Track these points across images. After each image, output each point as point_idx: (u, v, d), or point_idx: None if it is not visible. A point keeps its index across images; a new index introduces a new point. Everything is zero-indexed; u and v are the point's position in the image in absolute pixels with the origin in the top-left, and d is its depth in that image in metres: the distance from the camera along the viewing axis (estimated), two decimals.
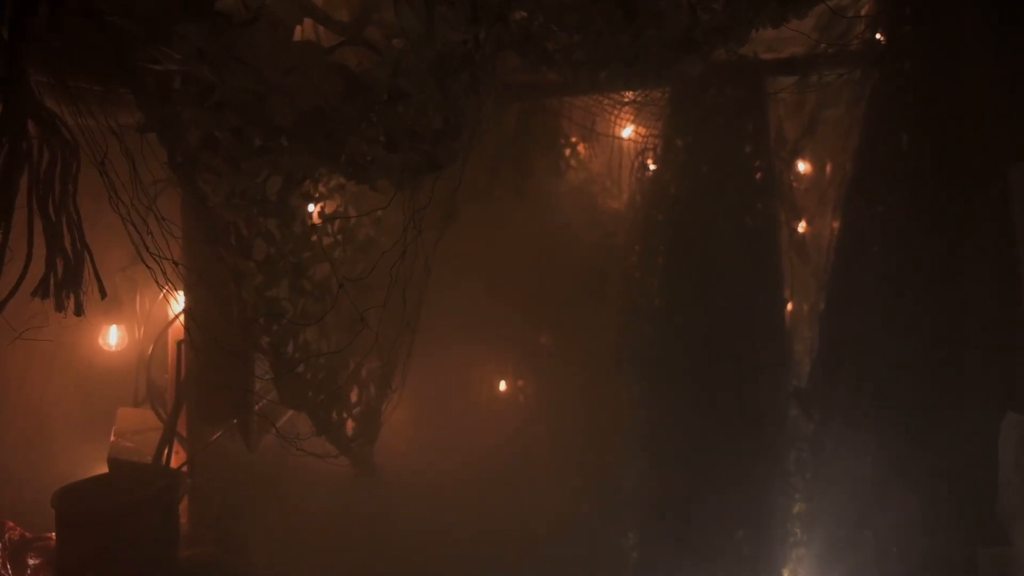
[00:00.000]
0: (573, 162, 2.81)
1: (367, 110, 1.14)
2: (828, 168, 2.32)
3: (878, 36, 2.07)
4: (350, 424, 1.90)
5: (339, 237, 1.71)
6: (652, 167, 2.60)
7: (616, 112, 2.61)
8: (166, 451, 1.56)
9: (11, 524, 1.88)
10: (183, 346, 1.39)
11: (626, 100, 2.54)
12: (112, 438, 1.87)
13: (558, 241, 2.85)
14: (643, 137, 2.58)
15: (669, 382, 2.24)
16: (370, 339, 2.05)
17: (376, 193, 2.06)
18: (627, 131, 2.68)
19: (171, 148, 1.12)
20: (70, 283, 1.05)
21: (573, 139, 2.73)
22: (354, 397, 1.95)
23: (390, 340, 2.21)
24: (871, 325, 2.03)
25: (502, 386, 2.76)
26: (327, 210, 1.91)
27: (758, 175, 2.26)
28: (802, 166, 2.36)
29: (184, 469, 1.60)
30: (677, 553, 2.27)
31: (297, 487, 1.74)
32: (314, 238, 1.58)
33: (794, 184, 2.31)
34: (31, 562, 1.77)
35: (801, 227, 2.28)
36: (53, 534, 1.64)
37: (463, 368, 2.49)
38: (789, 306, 2.26)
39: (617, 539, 2.44)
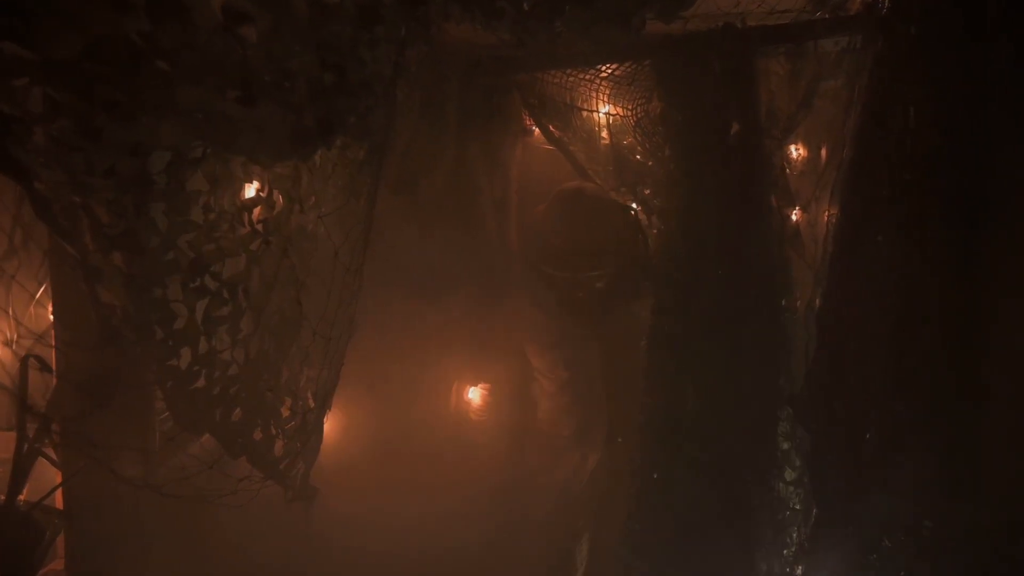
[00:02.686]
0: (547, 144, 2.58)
1: (189, 42, 0.89)
2: (825, 148, 2.08)
3: None
4: (280, 443, 1.66)
5: (259, 227, 1.47)
6: (638, 146, 2.37)
7: (594, 89, 2.37)
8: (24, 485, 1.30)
9: None
10: (27, 363, 1.15)
11: (603, 75, 2.30)
12: None
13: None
14: (621, 117, 2.35)
15: (646, 388, 2.01)
16: (307, 343, 1.83)
17: (312, 175, 1.82)
18: (604, 109, 2.44)
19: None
20: None
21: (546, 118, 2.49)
22: (287, 410, 1.71)
23: (337, 342, 1.98)
24: (875, 324, 1.80)
25: (471, 393, 2.54)
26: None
27: (747, 156, 2.02)
28: (796, 146, 2.11)
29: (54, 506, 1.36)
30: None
31: (215, 521, 1.49)
32: (224, 228, 1.33)
33: (787, 166, 2.07)
34: None
35: (795, 214, 2.04)
36: None
37: (414, 371, 2.25)
38: (782, 302, 2.02)
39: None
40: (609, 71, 2.27)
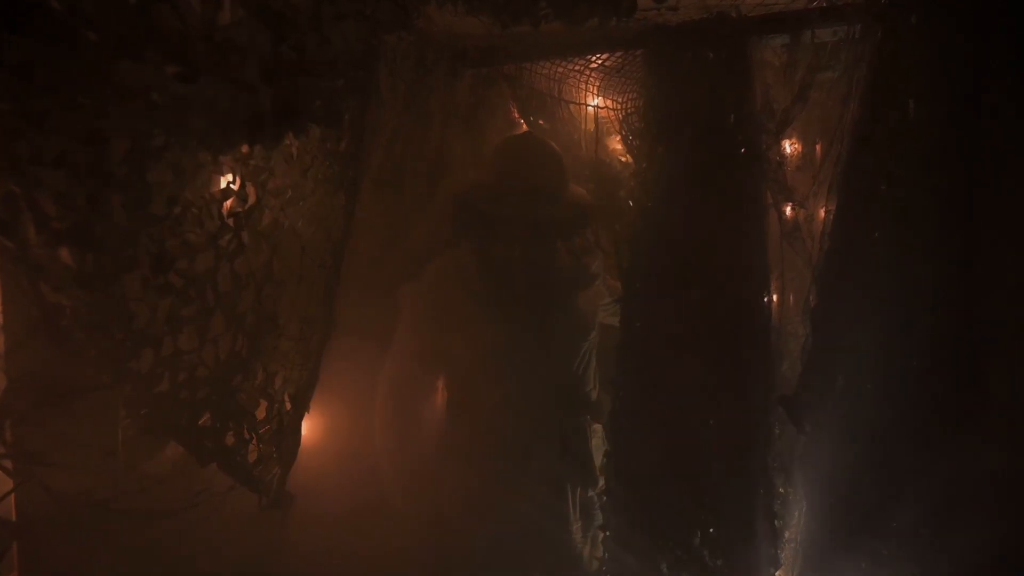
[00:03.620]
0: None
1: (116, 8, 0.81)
2: (822, 142, 2.02)
3: None
4: (254, 448, 1.58)
5: (230, 221, 1.39)
6: (620, 143, 2.30)
7: (584, 79, 2.30)
8: None
9: None
10: None
11: (593, 66, 2.23)
12: None
13: None
14: (611, 109, 2.28)
15: (636, 388, 1.94)
16: (284, 342, 1.76)
17: (289, 166, 1.75)
18: (594, 102, 2.37)
19: None
20: None
21: (533, 111, 2.41)
22: (262, 413, 1.63)
23: (315, 341, 1.91)
24: (871, 323, 1.74)
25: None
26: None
27: (742, 150, 1.95)
28: (792, 140, 2.05)
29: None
30: None
31: (185, 529, 1.41)
32: (190, 222, 1.26)
33: (783, 160, 2.00)
34: None
35: (791, 210, 1.97)
36: None
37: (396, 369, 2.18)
38: (776, 300, 1.96)
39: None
40: (599, 62, 2.20)
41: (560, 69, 2.29)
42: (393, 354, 2.21)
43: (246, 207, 1.50)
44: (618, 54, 2.16)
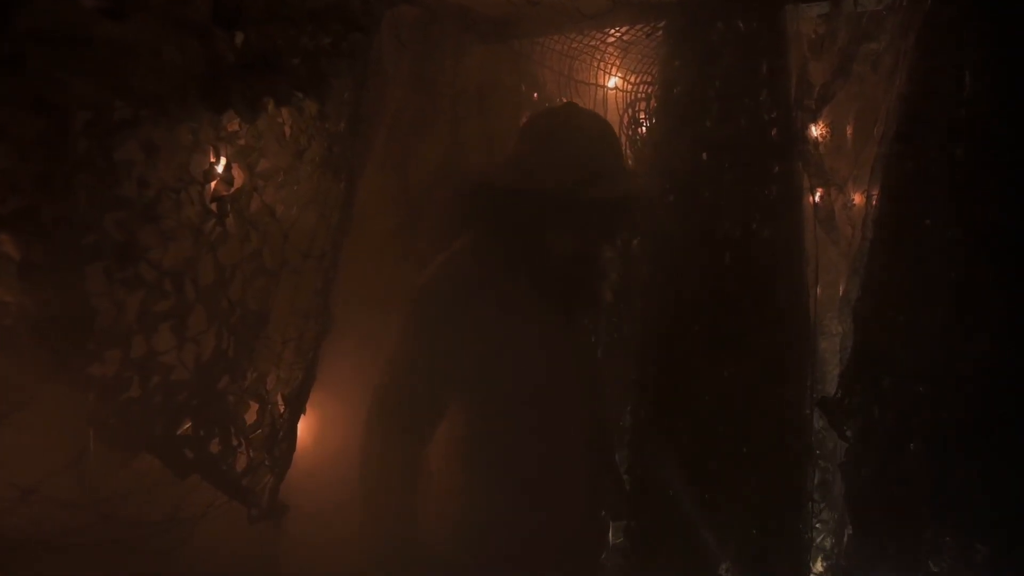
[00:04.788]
0: None
1: None
2: (865, 120, 1.85)
3: None
4: (243, 455, 1.44)
5: (213, 207, 1.24)
6: (644, 123, 2.14)
7: (599, 56, 2.15)
8: None
9: None
10: None
11: (611, 40, 2.07)
12: None
13: None
14: (633, 85, 2.12)
15: (663, 390, 1.79)
16: (277, 340, 1.62)
17: (281, 147, 1.60)
18: (613, 80, 2.21)
19: None
20: None
21: (548, 89, 2.25)
22: (252, 416, 1.49)
23: (312, 338, 1.77)
24: (921, 319, 1.58)
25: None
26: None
27: (775, 130, 1.79)
28: (831, 118, 1.89)
29: None
30: None
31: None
32: (166, 207, 1.11)
33: (821, 141, 1.84)
34: None
35: (829, 195, 1.81)
36: None
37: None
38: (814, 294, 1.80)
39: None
40: (617, 35, 2.04)
41: (575, 44, 2.13)
42: (385, 363, 1.73)
43: (232, 191, 1.35)
44: (639, 27, 2.00)
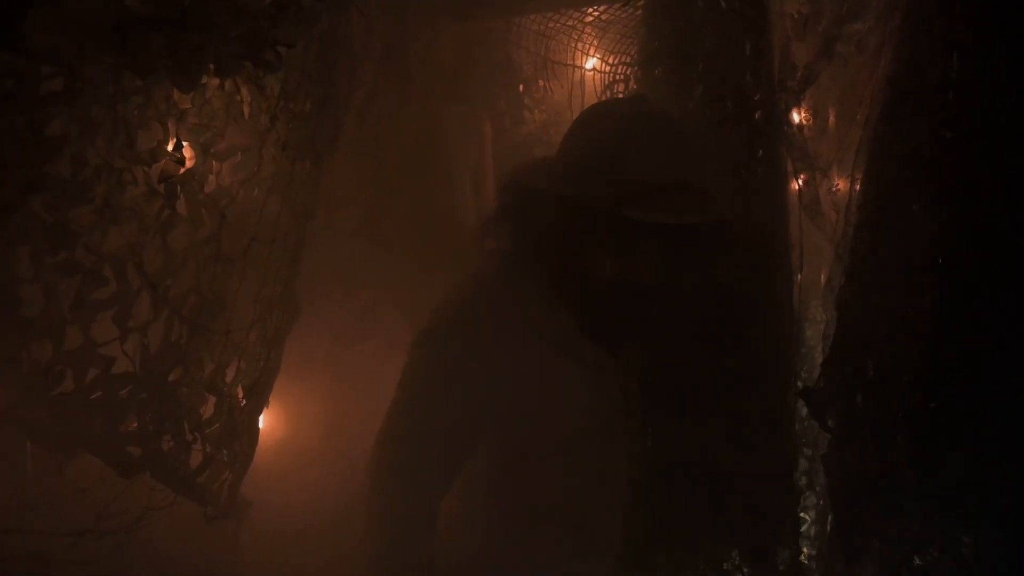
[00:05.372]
0: (527, 100, 2.27)
1: None
2: (849, 102, 1.79)
3: None
4: (199, 451, 1.37)
5: (160, 187, 1.17)
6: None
7: (576, 36, 2.08)
8: None
9: None
10: None
11: (588, 19, 2.00)
12: None
13: None
14: (611, 67, 2.05)
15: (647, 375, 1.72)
16: (237, 329, 1.54)
17: (240, 127, 1.53)
18: (591, 62, 2.14)
19: None
20: None
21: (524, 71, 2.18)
22: (209, 410, 1.42)
23: (276, 325, 1.70)
24: (908, 307, 1.53)
25: None
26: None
27: (759, 113, 1.73)
28: (814, 100, 1.83)
29: None
30: None
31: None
32: (105, 187, 1.03)
33: (805, 124, 1.78)
34: None
35: (814, 180, 1.76)
36: None
37: (369, 362, 1.95)
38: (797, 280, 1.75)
39: None
40: (596, 14, 1.98)
41: (552, 24, 2.06)
42: (390, 409, 1.51)
43: (183, 171, 1.27)
44: (617, 5, 1.93)
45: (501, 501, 1.56)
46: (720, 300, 1.60)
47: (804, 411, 1.80)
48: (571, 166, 1.43)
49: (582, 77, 2.14)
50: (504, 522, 1.56)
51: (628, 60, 2.01)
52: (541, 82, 2.16)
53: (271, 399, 1.65)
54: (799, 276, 1.78)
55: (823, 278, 1.79)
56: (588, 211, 1.35)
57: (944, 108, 1.51)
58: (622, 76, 2.04)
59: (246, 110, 1.49)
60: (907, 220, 1.53)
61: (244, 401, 1.55)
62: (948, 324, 1.49)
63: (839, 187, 1.79)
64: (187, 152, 1.32)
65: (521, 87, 2.16)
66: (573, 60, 2.12)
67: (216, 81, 1.31)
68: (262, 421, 1.61)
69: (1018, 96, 1.43)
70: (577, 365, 1.47)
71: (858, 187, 1.63)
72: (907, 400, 1.53)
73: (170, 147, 1.26)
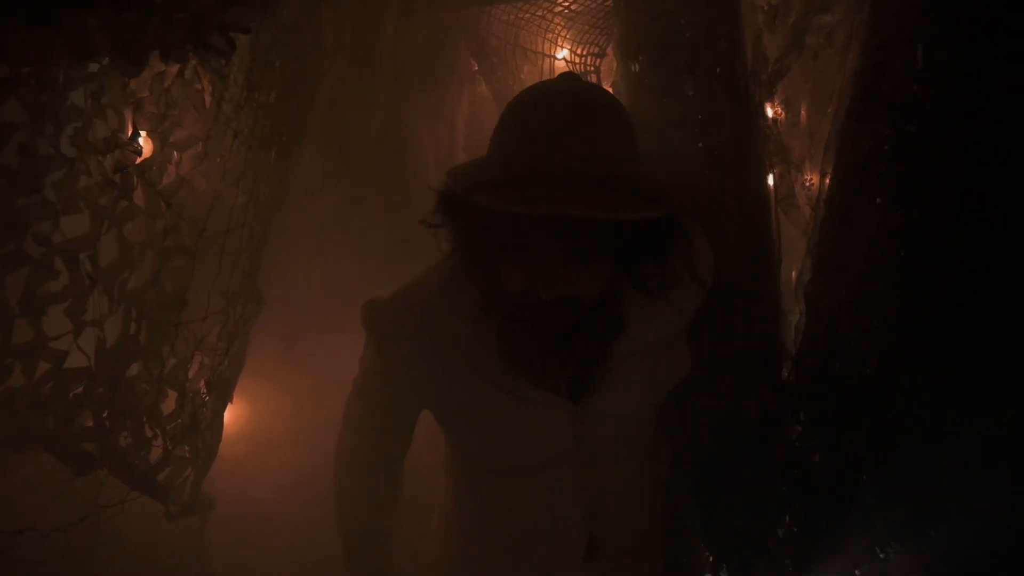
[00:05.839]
0: (497, 89, 2.25)
1: None
2: (819, 95, 1.79)
3: None
4: (159, 447, 1.34)
5: (115, 177, 1.13)
6: None
7: (546, 27, 2.06)
8: None
9: None
10: None
11: (558, 9, 1.98)
12: None
13: None
14: (581, 57, 2.04)
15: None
16: (199, 323, 1.51)
17: (200, 116, 1.49)
18: (562, 53, 2.13)
19: None
20: None
21: (494, 61, 2.16)
22: (171, 406, 1.39)
23: (240, 319, 1.67)
24: (873, 303, 1.54)
25: None
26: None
27: (732, 105, 1.72)
28: (786, 93, 1.82)
29: None
30: None
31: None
32: (57, 177, 1.00)
33: (778, 117, 1.78)
34: None
35: (788, 175, 1.76)
36: None
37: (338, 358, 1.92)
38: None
39: None
40: (565, 5, 1.96)
41: (522, 14, 2.04)
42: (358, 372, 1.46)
43: (139, 161, 1.24)
44: None
45: (464, 517, 1.52)
46: (693, 308, 1.51)
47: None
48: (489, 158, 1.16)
49: (551, 66, 2.12)
50: (462, 540, 1.53)
51: (596, 51, 2.00)
52: (512, 72, 2.14)
53: (235, 394, 1.62)
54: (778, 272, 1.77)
55: (797, 273, 1.79)
56: (493, 213, 1.04)
57: (908, 101, 1.51)
58: (592, 67, 2.03)
59: (207, 99, 1.46)
60: (871, 214, 1.53)
61: (207, 396, 1.52)
62: (911, 317, 1.49)
63: (812, 181, 1.79)
64: (146, 142, 1.29)
65: (491, 77, 2.14)
66: (543, 49, 2.10)
67: (175, 69, 1.28)
68: (226, 416, 1.59)
69: (981, 89, 1.44)
70: (519, 402, 1.30)
71: (828, 181, 1.63)
72: (872, 394, 1.54)
73: (124, 135, 1.22)
